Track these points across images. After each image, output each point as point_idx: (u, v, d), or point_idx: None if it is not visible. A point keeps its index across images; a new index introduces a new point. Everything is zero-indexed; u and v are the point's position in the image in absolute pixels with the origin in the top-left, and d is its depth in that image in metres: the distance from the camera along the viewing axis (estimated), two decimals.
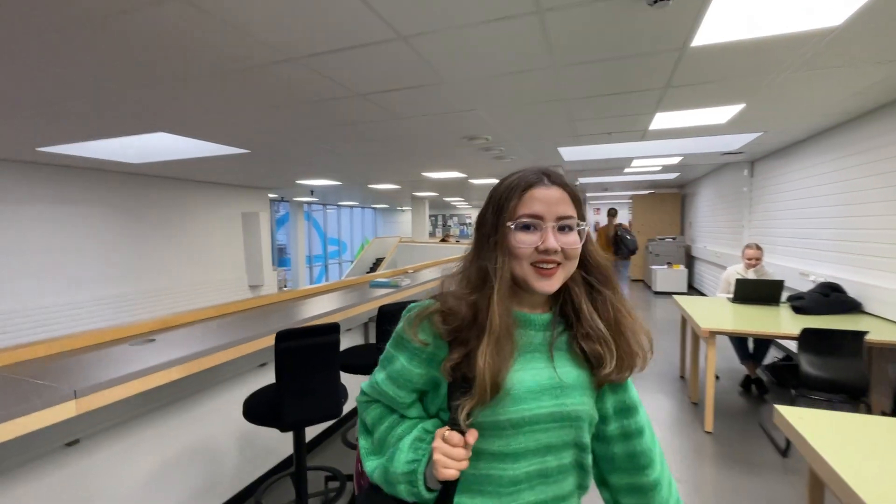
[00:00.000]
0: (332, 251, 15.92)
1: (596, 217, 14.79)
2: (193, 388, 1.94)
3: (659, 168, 5.94)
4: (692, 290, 7.95)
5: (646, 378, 3.60)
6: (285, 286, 11.13)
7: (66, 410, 1.27)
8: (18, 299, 4.14)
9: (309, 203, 13.45)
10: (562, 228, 0.74)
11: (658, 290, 7.75)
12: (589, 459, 0.78)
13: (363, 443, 0.82)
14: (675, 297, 3.56)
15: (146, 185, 5.37)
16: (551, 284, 0.73)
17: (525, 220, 0.74)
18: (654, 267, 8.00)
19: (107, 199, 4.94)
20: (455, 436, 0.69)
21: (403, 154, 4.28)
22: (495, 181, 0.83)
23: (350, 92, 2.34)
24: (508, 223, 0.74)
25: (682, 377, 3.63)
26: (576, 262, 0.76)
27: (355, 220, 17.14)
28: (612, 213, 6.72)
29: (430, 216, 17.92)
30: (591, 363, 0.76)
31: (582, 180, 7.18)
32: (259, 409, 1.66)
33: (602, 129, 3.33)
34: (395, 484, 0.74)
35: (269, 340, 1.80)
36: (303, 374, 1.63)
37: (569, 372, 0.75)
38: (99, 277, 4.86)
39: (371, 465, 0.79)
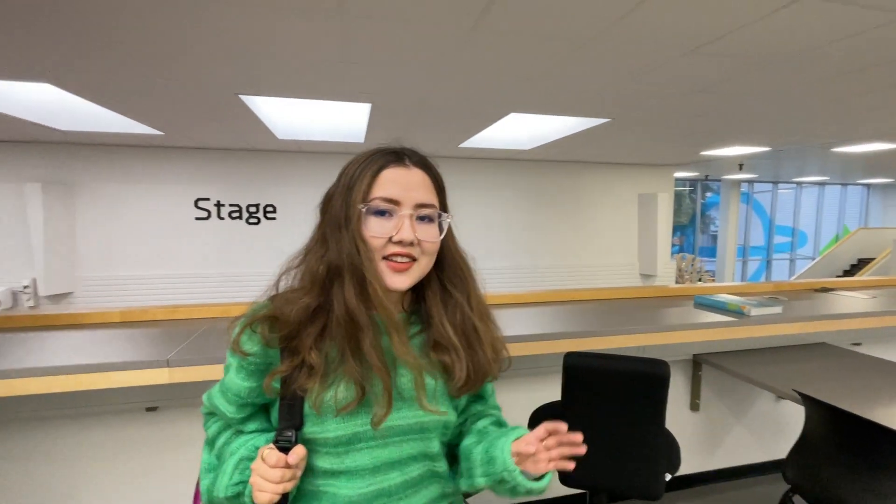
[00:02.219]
0: (781, 243, 12.26)
1: None
2: None
3: None
4: None
5: None
6: (700, 279, 9.57)
7: None
8: None
9: (749, 182, 10.87)
10: (421, 218, 0.66)
11: None
12: (443, 466, 0.71)
13: (204, 456, 0.73)
14: None
15: (544, 170, 5.86)
16: (404, 281, 0.65)
17: (379, 203, 0.64)
18: None
19: (514, 184, 5.76)
20: (273, 455, 0.60)
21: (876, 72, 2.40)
22: None
23: None
24: (359, 206, 0.64)
25: None
26: (433, 259, 0.69)
27: (827, 203, 12.34)
28: None
29: None
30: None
31: None
32: None
33: None
34: None
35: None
36: None
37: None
38: (504, 249, 5.81)
39: (204, 484, 0.69)
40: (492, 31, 1.73)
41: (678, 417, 2.06)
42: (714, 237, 11.58)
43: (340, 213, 0.65)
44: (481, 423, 0.77)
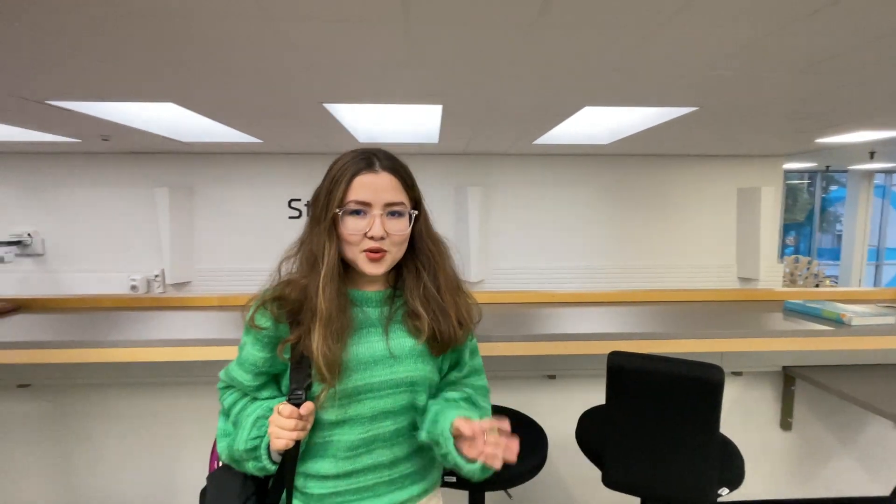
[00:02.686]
0: None
1: None
2: None
3: None
4: None
5: None
6: (817, 284, 8.35)
7: None
8: (522, 260, 5.52)
9: (886, 172, 9.22)
10: (392, 214, 0.80)
11: None
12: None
13: (220, 424, 0.84)
14: None
15: (623, 165, 5.53)
16: (379, 268, 0.80)
17: (353, 206, 0.78)
18: None
19: (592, 181, 5.52)
20: (287, 408, 0.72)
21: None
22: None
23: None
24: (337, 209, 0.78)
25: None
26: (404, 246, 0.83)
27: None
28: None
29: None
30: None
31: None
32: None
33: None
34: (241, 461, 0.78)
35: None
36: None
37: (403, 343, 0.83)
38: (581, 249, 5.59)
39: (221, 446, 0.81)
40: (554, 26, 1.71)
41: (765, 435, 1.86)
42: (839, 237, 10.02)
43: (322, 211, 0.80)
44: (451, 394, 0.88)
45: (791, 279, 7.82)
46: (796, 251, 10.77)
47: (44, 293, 2.11)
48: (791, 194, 10.62)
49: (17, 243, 4.82)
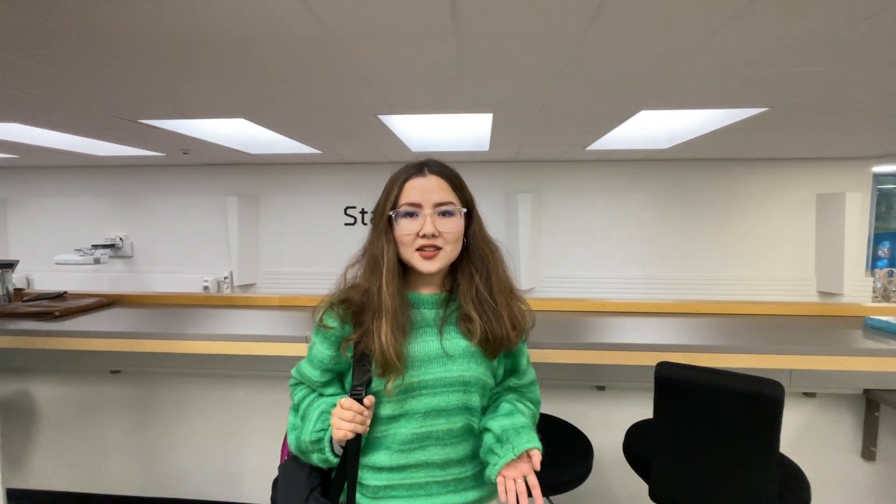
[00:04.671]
0: None
1: None
2: None
3: None
4: None
5: None
6: None
7: None
8: (573, 268, 5.38)
9: None
10: (443, 214, 0.84)
11: None
12: (478, 423, 0.86)
13: (290, 418, 0.90)
14: None
15: (684, 170, 5.25)
16: (433, 265, 0.84)
17: (405, 208, 0.84)
18: None
19: (650, 187, 5.30)
20: (347, 401, 0.77)
21: None
22: None
23: None
24: (390, 212, 0.85)
25: None
26: (458, 245, 0.87)
27: None
28: None
29: None
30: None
31: None
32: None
33: None
34: (307, 453, 0.84)
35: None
36: None
37: (457, 344, 0.85)
38: (636, 259, 5.37)
39: (290, 438, 0.87)
40: (606, 31, 1.69)
41: (842, 464, 1.70)
42: None
43: (379, 217, 0.87)
44: (522, 406, 0.90)
45: (884, 295, 7.01)
46: (891, 264, 9.64)
47: (132, 291, 2.36)
48: (884, 200, 9.54)
49: (111, 246, 5.42)
